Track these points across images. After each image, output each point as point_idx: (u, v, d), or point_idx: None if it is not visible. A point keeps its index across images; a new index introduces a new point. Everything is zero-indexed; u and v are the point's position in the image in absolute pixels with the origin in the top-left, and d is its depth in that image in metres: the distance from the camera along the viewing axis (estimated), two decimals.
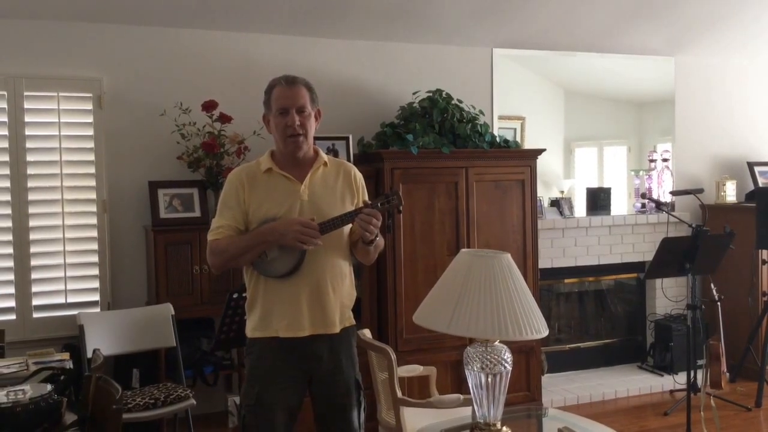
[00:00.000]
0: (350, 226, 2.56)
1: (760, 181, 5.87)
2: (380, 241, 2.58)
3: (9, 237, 4.13)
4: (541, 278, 4.95)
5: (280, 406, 2.49)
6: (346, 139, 4.60)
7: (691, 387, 4.21)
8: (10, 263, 4.14)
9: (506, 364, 2.11)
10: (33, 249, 4.17)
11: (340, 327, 2.55)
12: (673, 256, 4.18)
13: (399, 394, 3.26)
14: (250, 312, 2.57)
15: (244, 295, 3.28)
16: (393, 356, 3.26)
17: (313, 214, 2.48)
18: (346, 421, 2.57)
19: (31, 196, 4.17)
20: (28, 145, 4.16)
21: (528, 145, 5.25)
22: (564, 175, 5.59)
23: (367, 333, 3.54)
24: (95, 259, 4.30)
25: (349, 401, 2.57)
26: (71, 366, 3.36)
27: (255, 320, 2.53)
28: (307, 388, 2.56)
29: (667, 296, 5.43)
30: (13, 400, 2.47)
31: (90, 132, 4.30)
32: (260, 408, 2.48)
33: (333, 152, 4.52)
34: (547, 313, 5.45)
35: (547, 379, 5.19)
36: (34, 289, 4.18)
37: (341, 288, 2.56)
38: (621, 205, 5.73)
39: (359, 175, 2.66)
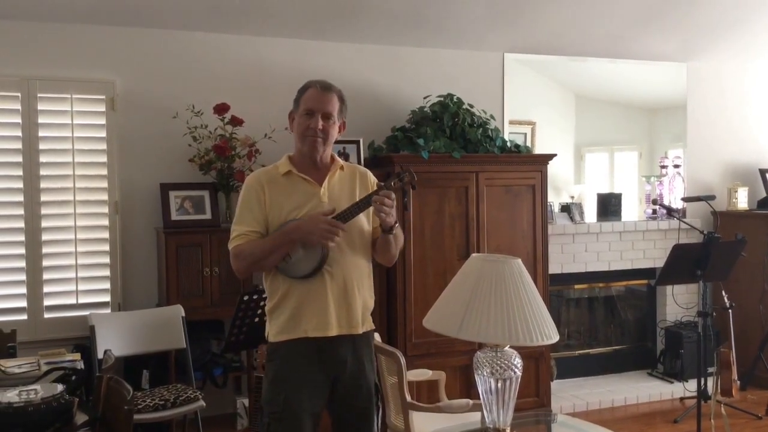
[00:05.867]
0: (371, 228, 2.58)
1: None
2: (400, 233, 2.57)
3: (21, 237, 4.16)
4: (551, 284, 4.93)
5: (307, 412, 2.46)
6: (357, 142, 4.61)
7: (702, 395, 4.18)
8: (22, 263, 4.16)
9: (516, 370, 2.10)
10: (45, 249, 4.20)
11: (363, 329, 2.55)
12: (684, 263, 4.16)
13: (408, 398, 3.26)
14: (273, 316, 2.53)
15: (255, 297, 3.31)
16: (402, 360, 3.26)
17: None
18: (368, 426, 2.57)
19: (44, 197, 4.20)
20: (41, 146, 4.19)
21: (538, 150, 5.24)
22: (575, 180, 5.57)
23: (376, 337, 3.54)
24: (106, 260, 4.32)
25: (370, 405, 2.57)
26: (82, 366, 3.39)
27: (280, 323, 2.50)
28: (329, 393, 2.54)
29: (678, 303, 5.39)
30: (25, 400, 2.49)
31: (102, 134, 4.32)
32: (288, 415, 2.44)
33: (344, 156, 4.53)
34: (557, 319, 5.43)
35: (556, 385, 5.17)
36: (46, 289, 4.21)
37: (365, 288, 2.57)
38: (632, 211, 5.71)
39: (373, 178, 2.68)
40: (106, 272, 4.33)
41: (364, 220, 2.56)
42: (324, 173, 2.57)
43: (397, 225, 2.53)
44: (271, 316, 2.55)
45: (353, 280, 2.51)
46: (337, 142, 4.40)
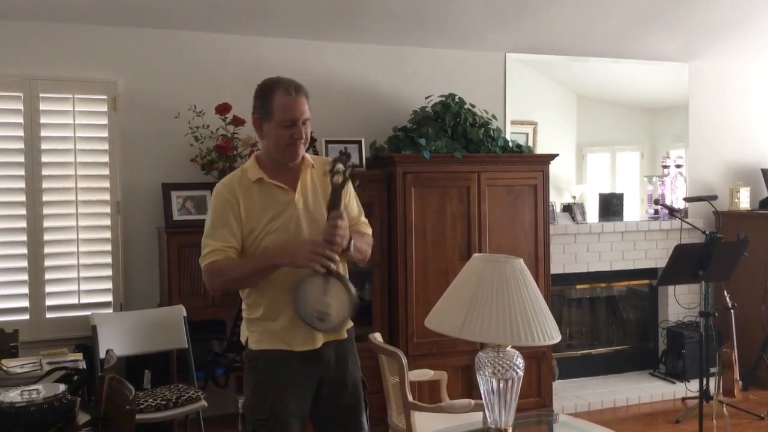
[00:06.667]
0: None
1: None
2: (359, 245, 2.48)
3: (23, 237, 4.16)
4: (552, 284, 4.93)
5: (294, 415, 2.43)
6: (359, 142, 4.61)
7: (704, 395, 4.17)
8: (24, 263, 4.17)
9: (518, 370, 2.10)
10: (47, 249, 4.20)
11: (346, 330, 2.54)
12: (686, 263, 4.15)
13: (410, 398, 3.26)
14: (252, 327, 2.47)
15: None
16: (404, 360, 3.26)
17: (308, 221, 2.43)
18: (357, 422, 2.54)
19: (46, 197, 4.20)
20: (44, 146, 4.19)
21: (540, 150, 5.24)
22: (576, 180, 5.57)
23: (378, 337, 3.55)
24: (108, 260, 4.33)
25: (358, 402, 2.55)
26: (84, 366, 3.39)
27: (261, 333, 2.44)
28: (315, 394, 2.51)
29: (680, 303, 5.38)
30: (27, 400, 2.49)
31: (104, 134, 4.32)
32: (275, 420, 2.40)
33: (345, 156, 4.51)
34: (559, 319, 5.42)
35: (558, 385, 5.17)
36: (48, 289, 4.21)
37: None
38: (634, 211, 5.71)
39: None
40: (108, 272, 4.33)
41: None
42: (296, 175, 2.47)
43: (352, 241, 2.40)
44: (250, 325, 2.48)
45: None
46: (338, 141, 4.50)
